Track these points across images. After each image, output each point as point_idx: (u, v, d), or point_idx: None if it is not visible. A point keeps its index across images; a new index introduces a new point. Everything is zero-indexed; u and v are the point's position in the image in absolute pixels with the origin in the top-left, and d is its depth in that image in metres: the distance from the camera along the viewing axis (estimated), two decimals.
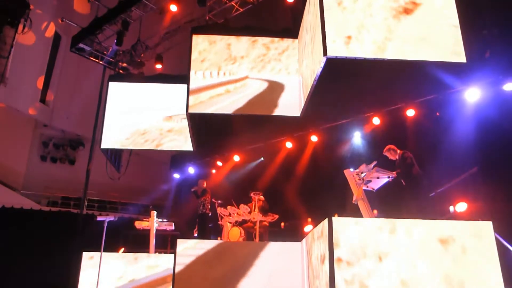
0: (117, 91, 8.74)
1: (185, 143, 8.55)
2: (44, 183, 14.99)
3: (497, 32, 7.23)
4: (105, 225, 6.28)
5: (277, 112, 6.84)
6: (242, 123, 11.51)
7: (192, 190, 9.86)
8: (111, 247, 8.78)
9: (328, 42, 4.74)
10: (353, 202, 6.15)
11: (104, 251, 6.36)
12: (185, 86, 6.97)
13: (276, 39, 7.16)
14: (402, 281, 4.31)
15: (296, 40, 7.11)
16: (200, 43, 7.09)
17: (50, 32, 14.94)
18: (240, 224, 9.18)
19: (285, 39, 7.15)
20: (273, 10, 10.43)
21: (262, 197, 9.29)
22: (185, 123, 8.24)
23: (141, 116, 8.59)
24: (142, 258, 7.87)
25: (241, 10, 10.03)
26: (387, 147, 6.98)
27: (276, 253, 6.38)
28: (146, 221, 9.04)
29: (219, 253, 6.43)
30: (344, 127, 10.23)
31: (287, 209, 10.60)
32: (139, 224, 9.13)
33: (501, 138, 7.16)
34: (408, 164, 6.59)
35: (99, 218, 6.41)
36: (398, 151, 6.87)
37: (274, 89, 6.93)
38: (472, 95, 7.68)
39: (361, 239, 4.46)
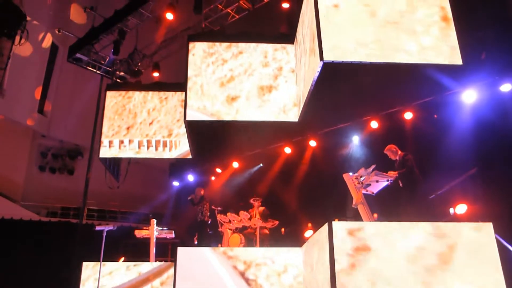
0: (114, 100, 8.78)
1: (184, 151, 8.54)
2: (43, 193, 14.89)
3: (492, 34, 7.27)
4: (104, 234, 6.24)
5: (276, 117, 6.84)
6: (241, 130, 11.50)
7: (188, 198, 9.81)
8: (111, 257, 8.75)
9: (324, 47, 4.75)
10: (353, 206, 6.14)
11: (104, 260, 6.32)
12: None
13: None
14: (402, 284, 4.29)
15: (293, 45, 7.13)
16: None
17: (47, 42, 14.94)
18: (240, 230, 9.15)
19: (282, 44, 7.17)
20: (269, 16, 10.46)
21: (262, 207, 9.25)
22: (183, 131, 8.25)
23: (139, 124, 8.62)
24: (142, 266, 7.83)
25: (237, 17, 10.08)
26: (389, 146, 6.99)
27: (277, 259, 6.36)
28: (146, 229, 8.99)
29: (219, 260, 6.39)
30: (342, 131, 10.24)
31: (287, 214, 10.58)
32: (139, 233, 9.08)
33: (499, 139, 7.18)
34: (409, 167, 6.59)
35: (97, 228, 6.37)
36: (399, 152, 6.87)
37: (272, 95, 6.94)
38: (469, 96, 7.71)
39: (359, 242, 4.45)
